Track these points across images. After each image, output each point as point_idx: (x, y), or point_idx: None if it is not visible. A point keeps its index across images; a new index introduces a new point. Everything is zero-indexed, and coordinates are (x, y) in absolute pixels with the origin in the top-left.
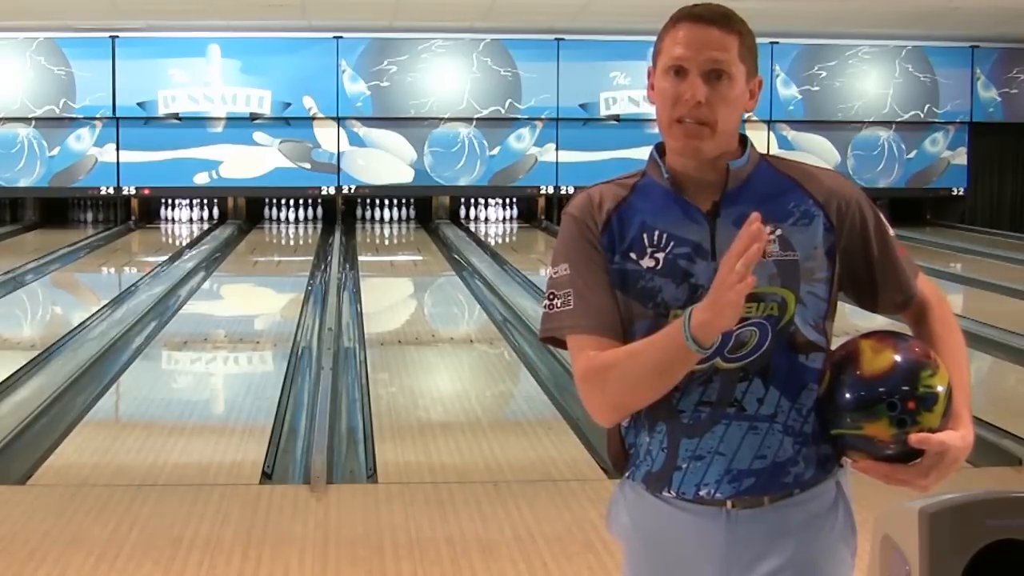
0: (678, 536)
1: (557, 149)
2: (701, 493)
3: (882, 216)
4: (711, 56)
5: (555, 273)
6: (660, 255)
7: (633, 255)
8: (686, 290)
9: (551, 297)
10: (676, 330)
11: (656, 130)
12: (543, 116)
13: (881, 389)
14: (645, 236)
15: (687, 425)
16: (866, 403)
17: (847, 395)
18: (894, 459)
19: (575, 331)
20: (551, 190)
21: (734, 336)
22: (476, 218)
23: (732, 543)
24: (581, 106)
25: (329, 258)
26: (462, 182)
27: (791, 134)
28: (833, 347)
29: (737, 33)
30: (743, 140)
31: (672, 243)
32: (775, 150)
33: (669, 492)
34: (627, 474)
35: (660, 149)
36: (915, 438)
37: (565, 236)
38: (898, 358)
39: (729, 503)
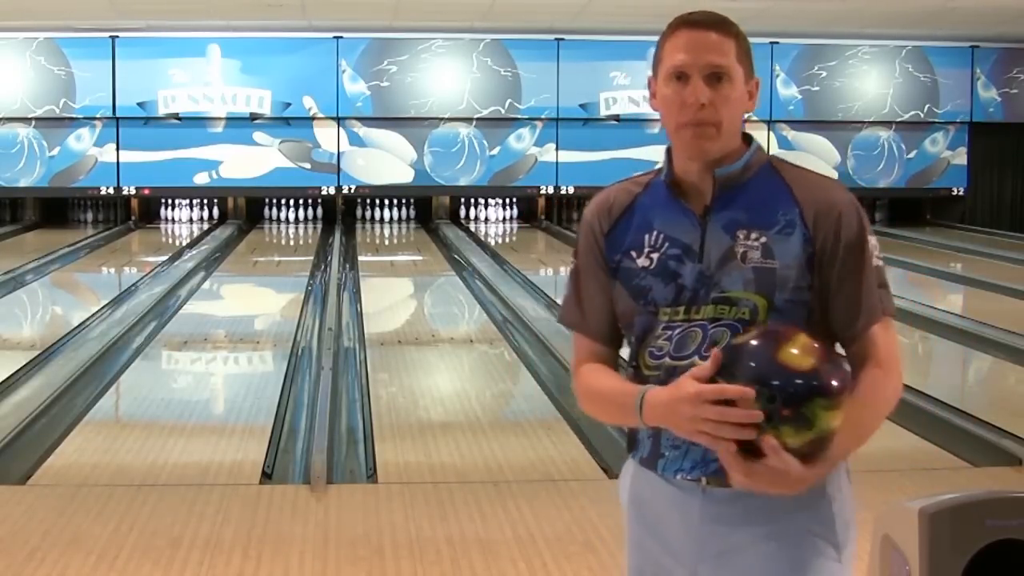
0: (663, 506)
1: (557, 149)
2: (678, 477)
3: (869, 241)
4: (711, 60)
5: (570, 265)
6: (655, 255)
7: (633, 253)
8: (673, 290)
9: (567, 286)
10: (631, 398)
11: (656, 130)
12: (543, 116)
13: (775, 381)
14: (645, 236)
15: None
16: (756, 380)
17: (750, 363)
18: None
19: (568, 324)
20: (551, 190)
21: (708, 335)
22: (476, 218)
23: (705, 519)
24: (581, 106)
25: (329, 258)
26: (462, 182)
27: (791, 134)
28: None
29: (734, 36)
30: (749, 142)
31: (667, 244)
32: (775, 150)
33: (655, 473)
34: (632, 453)
35: (671, 150)
36: (766, 443)
37: (579, 234)
38: (815, 372)
39: (704, 480)
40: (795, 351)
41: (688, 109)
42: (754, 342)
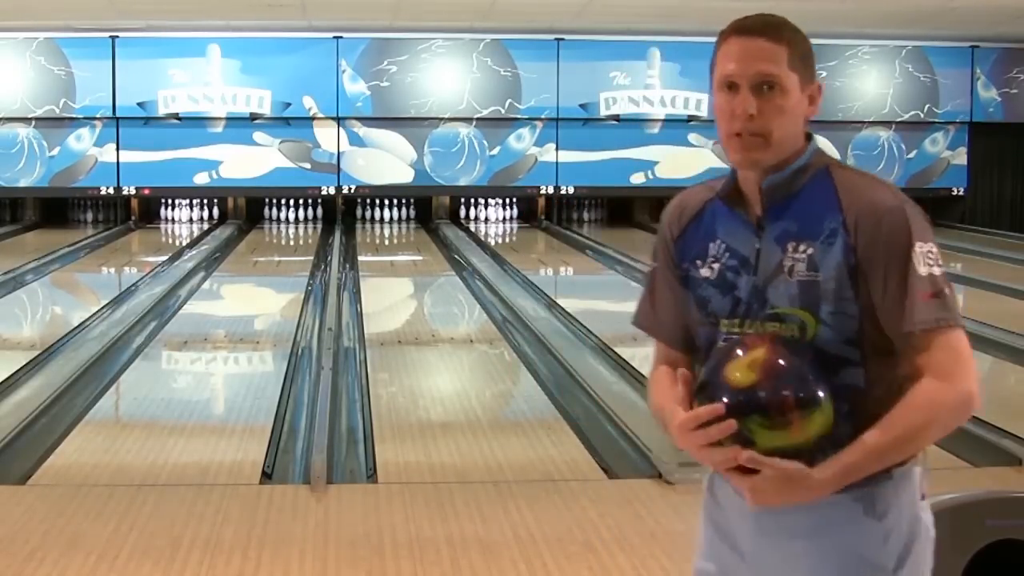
0: (731, 509)
1: (557, 149)
2: None
3: (916, 247)
4: (760, 69)
5: (647, 266)
6: (716, 265)
7: (698, 262)
8: (730, 302)
9: (643, 287)
10: (664, 416)
11: (656, 130)
12: (543, 116)
13: (719, 398)
14: (710, 245)
15: None
16: (713, 398)
17: (709, 379)
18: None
19: (640, 327)
20: (551, 190)
21: None
22: (476, 218)
23: (760, 529)
24: (581, 106)
25: (329, 258)
26: (462, 182)
27: None
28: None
29: (786, 42)
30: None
31: (727, 254)
32: None
33: (723, 479)
34: None
35: None
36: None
37: (656, 237)
38: (751, 389)
39: None
40: (741, 366)
41: (737, 120)
42: (716, 358)
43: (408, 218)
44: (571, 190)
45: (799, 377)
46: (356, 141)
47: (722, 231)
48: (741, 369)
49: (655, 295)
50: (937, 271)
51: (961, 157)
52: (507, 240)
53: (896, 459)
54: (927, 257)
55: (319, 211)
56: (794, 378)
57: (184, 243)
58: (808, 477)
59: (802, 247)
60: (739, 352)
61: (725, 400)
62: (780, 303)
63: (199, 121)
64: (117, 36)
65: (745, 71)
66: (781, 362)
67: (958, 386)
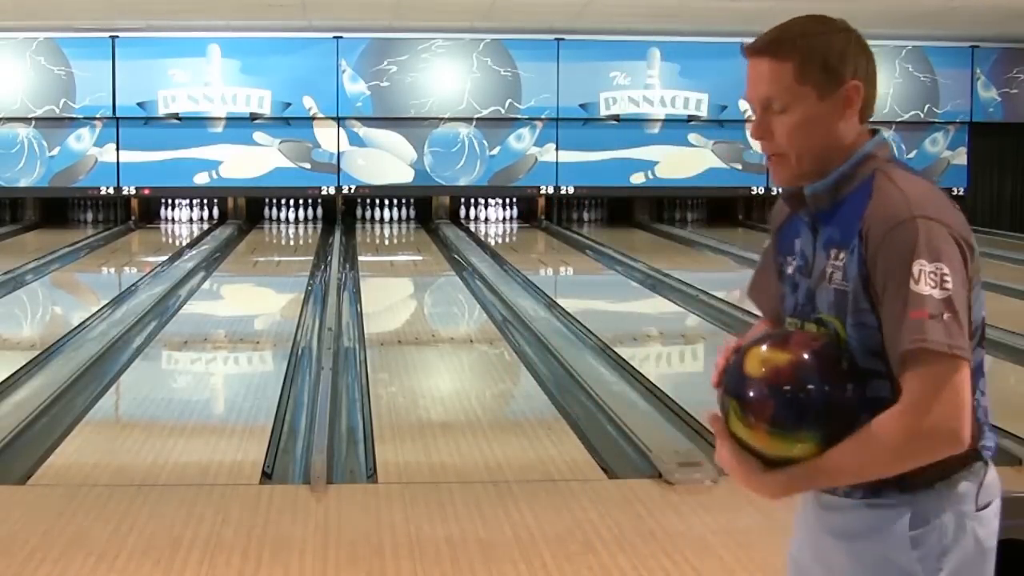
0: (808, 501)
1: (557, 149)
2: None
3: (918, 264)
4: (763, 92)
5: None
6: (794, 263)
7: (788, 258)
8: (793, 301)
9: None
10: None
11: (656, 130)
12: (543, 116)
13: (727, 379)
14: (795, 242)
15: None
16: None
17: (749, 339)
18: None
19: (749, 298)
20: (551, 190)
21: None
22: (476, 218)
23: (817, 524)
24: (581, 106)
25: (329, 258)
26: (462, 182)
27: None
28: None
29: (794, 56)
30: (862, 154)
31: (800, 254)
32: None
33: None
34: None
35: None
36: (708, 415)
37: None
38: (748, 379)
39: None
40: (759, 355)
41: (759, 142)
42: (763, 332)
43: (408, 218)
44: (571, 190)
45: (800, 402)
46: (356, 141)
47: (802, 231)
48: (757, 358)
49: (764, 273)
50: (939, 294)
51: (961, 157)
52: (507, 240)
53: (852, 482)
54: (930, 276)
55: (319, 211)
56: (793, 400)
57: (184, 243)
58: (755, 473)
59: (841, 255)
60: (771, 342)
61: (728, 376)
62: (822, 309)
63: (199, 121)
64: (117, 36)
65: (754, 94)
66: (794, 377)
67: (915, 420)
